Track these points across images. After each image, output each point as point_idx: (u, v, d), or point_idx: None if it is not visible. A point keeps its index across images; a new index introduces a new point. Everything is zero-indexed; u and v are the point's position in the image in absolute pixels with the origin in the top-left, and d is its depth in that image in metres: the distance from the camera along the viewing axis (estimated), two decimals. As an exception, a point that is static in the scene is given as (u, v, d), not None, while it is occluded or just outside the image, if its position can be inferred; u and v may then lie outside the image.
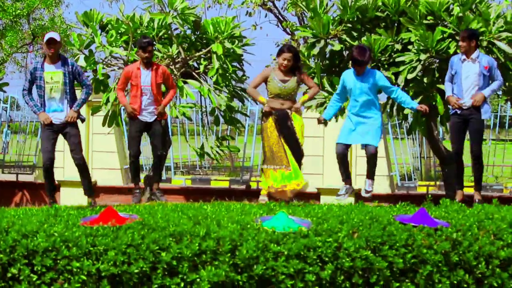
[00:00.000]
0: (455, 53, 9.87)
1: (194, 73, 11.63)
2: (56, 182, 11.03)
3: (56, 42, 9.10)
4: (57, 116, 9.24)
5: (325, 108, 10.82)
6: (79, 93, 9.63)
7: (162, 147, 10.40)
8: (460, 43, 9.51)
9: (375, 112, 9.24)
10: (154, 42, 11.28)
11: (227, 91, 11.63)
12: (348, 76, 9.29)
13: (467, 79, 9.51)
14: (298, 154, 9.51)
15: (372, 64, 10.24)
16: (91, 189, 9.73)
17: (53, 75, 9.16)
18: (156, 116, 10.14)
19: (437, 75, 10.28)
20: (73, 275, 6.23)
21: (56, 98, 9.21)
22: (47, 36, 9.15)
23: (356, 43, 10.39)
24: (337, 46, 10.59)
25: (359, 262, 6.47)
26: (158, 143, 10.26)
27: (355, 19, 10.60)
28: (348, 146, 9.33)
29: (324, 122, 9.63)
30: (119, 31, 11.47)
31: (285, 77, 9.47)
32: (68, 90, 9.22)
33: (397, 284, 6.57)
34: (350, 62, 9.43)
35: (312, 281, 6.35)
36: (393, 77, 10.23)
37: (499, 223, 7.10)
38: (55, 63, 9.19)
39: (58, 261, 6.28)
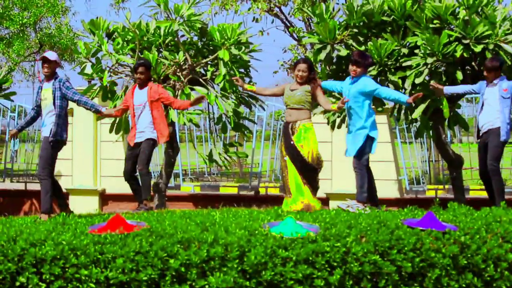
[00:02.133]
0: (462, 56, 9.87)
1: (201, 80, 11.65)
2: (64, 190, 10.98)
3: (50, 61, 9.27)
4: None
5: (332, 114, 10.84)
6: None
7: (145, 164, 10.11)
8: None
9: (360, 124, 9.11)
10: (161, 50, 11.29)
11: (234, 97, 11.63)
12: (346, 81, 9.42)
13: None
14: (305, 172, 9.02)
15: (379, 69, 10.23)
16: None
17: (45, 92, 9.32)
18: (147, 137, 10.00)
19: (444, 78, 10.26)
20: (81, 283, 6.26)
21: (44, 113, 9.34)
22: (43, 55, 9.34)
23: (362, 48, 10.39)
24: (343, 52, 10.55)
25: (367, 267, 6.49)
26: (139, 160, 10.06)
27: (361, 24, 10.59)
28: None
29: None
30: (126, 39, 11.53)
31: (296, 87, 9.28)
32: (56, 107, 9.23)
33: (406, 288, 6.60)
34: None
35: (321, 286, 6.37)
36: (400, 82, 10.22)
37: (507, 226, 7.11)
38: (49, 81, 9.36)
39: (67, 269, 6.32)
